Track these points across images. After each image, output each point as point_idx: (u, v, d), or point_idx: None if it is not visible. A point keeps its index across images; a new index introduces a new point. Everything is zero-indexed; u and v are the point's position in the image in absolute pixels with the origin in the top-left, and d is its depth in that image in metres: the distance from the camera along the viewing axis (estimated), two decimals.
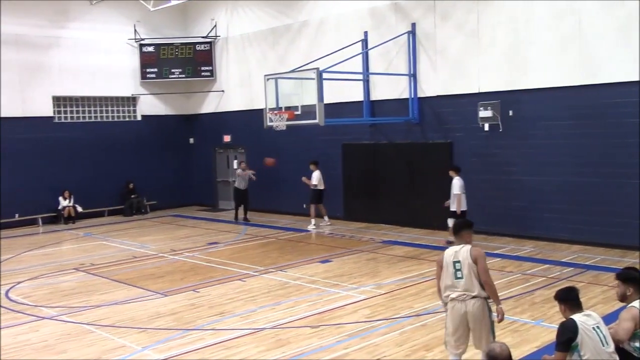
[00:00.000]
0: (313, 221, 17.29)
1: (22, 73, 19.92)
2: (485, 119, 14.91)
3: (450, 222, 13.23)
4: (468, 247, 6.42)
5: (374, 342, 8.00)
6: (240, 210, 19.37)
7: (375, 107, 17.28)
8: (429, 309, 9.34)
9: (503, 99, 14.60)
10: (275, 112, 14.94)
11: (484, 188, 14.87)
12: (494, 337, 6.39)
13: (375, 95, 17.31)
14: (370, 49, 16.81)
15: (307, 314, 9.32)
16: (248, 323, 9.01)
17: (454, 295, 6.35)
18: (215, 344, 8.17)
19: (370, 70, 17.15)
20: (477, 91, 15.11)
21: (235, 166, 21.67)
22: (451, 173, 14.04)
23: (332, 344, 7.98)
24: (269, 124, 15.16)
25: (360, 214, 17.91)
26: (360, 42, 17.08)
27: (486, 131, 14.98)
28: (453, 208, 13.72)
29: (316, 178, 17.39)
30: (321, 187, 17.51)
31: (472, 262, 6.28)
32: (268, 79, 15.40)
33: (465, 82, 15.37)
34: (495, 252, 13.04)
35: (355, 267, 12.40)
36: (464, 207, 13.71)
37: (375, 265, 12.58)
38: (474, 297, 6.26)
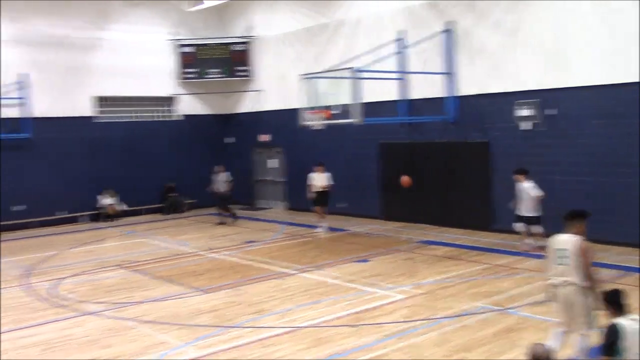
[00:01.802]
0: (325, 224, 16.90)
1: (65, 74, 20.40)
2: (524, 118, 14.74)
3: (520, 226, 13.09)
4: (578, 238, 6.69)
5: (413, 342, 8.00)
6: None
7: (412, 106, 17.21)
8: (468, 309, 9.29)
9: (542, 98, 14.41)
10: (312, 111, 15.01)
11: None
12: (592, 325, 6.63)
13: (412, 94, 17.24)
14: (407, 47, 16.76)
15: (345, 313, 9.37)
16: (286, 321, 9.10)
17: (555, 281, 6.79)
18: (254, 341, 8.27)
19: (407, 69, 17.10)
20: (515, 90, 14.94)
21: (270, 165, 21.87)
22: (518, 177, 13.25)
23: (371, 343, 8.01)
24: (306, 123, 15.24)
25: (397, 213, 17.87)
26: (396, 41, 17.04)
27: (524, 130, 14.81)
28: (528, 213, 13.03)
29: (328, 178, 16.93)
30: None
31: (579, 253, 6.61)
32: (304, 79, 15.47)
33: (503, 80, 15.22)
34: (539, 253, 12.90)
35: (392, 267, 12.39)
36: (534, 212, 13.00)
37: (413, 265, 12.56)
38: (572, 284, 6.62)
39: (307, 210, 19.75)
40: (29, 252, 15.79)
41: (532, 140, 14.68)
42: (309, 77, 15.49)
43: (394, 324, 8.78)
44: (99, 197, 20.78)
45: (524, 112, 14.65)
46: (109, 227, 19.56)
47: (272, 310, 9.72)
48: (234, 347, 8.07)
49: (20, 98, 19.51)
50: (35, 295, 11.26)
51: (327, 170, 17.02)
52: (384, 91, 17.30)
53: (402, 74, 17.14)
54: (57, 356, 8.03)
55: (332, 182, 16.89)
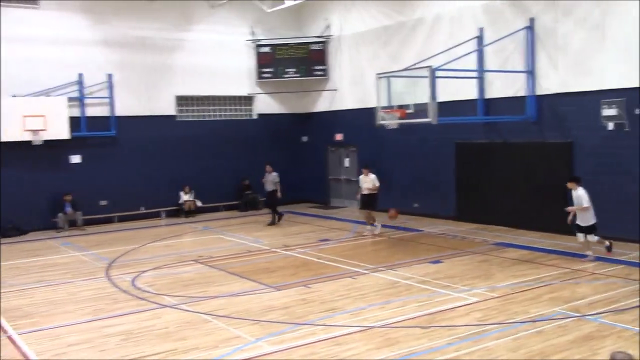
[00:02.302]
0: (378, 225, 16.64)
1: (148, 74, 21.16)
2: (610, 118, 14.13)
3: (582, 236, 12.58)
4: None
5: (486, 346, 7.82)
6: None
7: (490, 105, 16.84)
8: (545, 314, 9.01)
9: (629, 97, 13.78)
10: (387, 110, 14.93)
11: (606, 190, 14.06)
12: None
13: (490, 93, 16.86)
14: (486, 45, 16.41)
15: (417, 314, 9.27)
16: (358, 320, 9.09)
17: None
18: (325, 339, 8.31)
19: (485, 68, 16.73)
20: (600, 88, 14.35)
21: (345, 164, 21.87)
22: (571, 185, 12.67)
23: (443, 345, 7.89)
24: (381, 122, 15.17)
25: (472, 214, 17.53)
26: (474, 39, 16.71)
27: (610, 130, 14.20)
28: (584, 222, 12.43)
29: (373, 181, 16.52)
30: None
31: None
32: (380, 78, 15.40)
33: (587, 79, 14.65)
34: (619, 258, 12.36)
35: (467, 269, 12.16)
36: (589, 221, 12.41)
37: (487, 267, 12.28)
38: None
39: (380, 209, 19.68)
40: (112, 245, 16.46)
41: (620, 140, 14.05)
42: (385, 75, 15.42)
43: (467, 327, 8.61)
44: (181, 193, 21.44)
45: (611, 111, 14.05)
46: (188, 222, 20.11)
47: (344, 308, 9.73)
48: (305, 344, 8.13)
49: (106, 97, 20.41)
50: (118, 286, 11.73)
51: (380, 171, 17.21)
52: (461, 90, 17.02)
53: (480, 73, 16.80)
54: (136, 346, 8.32)
55: (377, 184, 16.55)
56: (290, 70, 23.07)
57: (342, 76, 22.37)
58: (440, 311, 9.37)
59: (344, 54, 22.20)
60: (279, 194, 19.08)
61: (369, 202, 16.62)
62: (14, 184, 18.89)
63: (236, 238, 16.85)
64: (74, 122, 19.63)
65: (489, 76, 16.81)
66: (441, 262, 12.88)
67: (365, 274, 12.08)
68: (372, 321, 9.00)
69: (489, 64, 16.66)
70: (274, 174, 19.21)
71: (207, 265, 13.38)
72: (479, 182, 17.40)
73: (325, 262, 13.35)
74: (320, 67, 22.93)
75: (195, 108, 22.44)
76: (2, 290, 11.69)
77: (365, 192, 16.59)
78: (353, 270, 12.41)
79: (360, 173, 17.42)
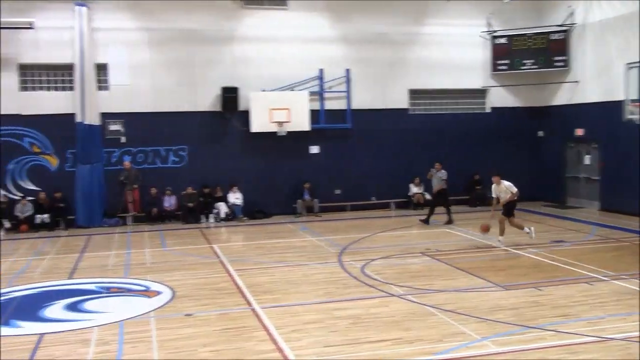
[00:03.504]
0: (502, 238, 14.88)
1: (383, 68, 21.76)
2: None
3: None
4: None
5: None
6: None
7: None
8: None
9: None
10: (638, 104, 13.60)
11: None
12: None
13: None
14: None
15: None
16: (595, 330, 8.46)
17: None
18: (557, 346, 7.88)
19: None
20: None
21: (585, 161, 20.44)
22: None
23: None
24: (629, 117, 13.87)
25: None
26: None
27: None
28: None
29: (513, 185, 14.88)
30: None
31: None
32: (631, 68, 14.07)
33: None
34: None
35: None
36: None
37: None
38: None
39: (626, 212, 18.03)
40: (344, 232, 17.28)
41: None
42: (637, 66, 14.05)
43: None
44: (411, 185, 21.79)
45: None
46: (415, 215, 20.34)
47: (579, 316, 9.13)
48: (535, 349, 7.79)
49: (343, 92, 21.44)
50: (348, 272, 12.31)
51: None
52: None
53: None
54: (364, 331, 8.67)
55: (514, 190, 14.75)
56: (528, 61, 22.07)
57: (585, 67, 20.81)
58: None
59: (588, 43, 20.62)
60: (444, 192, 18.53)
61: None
62: (260, 171, 20.80)
63: (464, 233, 16.65)
64: (314, 114, 20.97)
65: None
66: None
67: (605, 280, 11.17)
68: (612, 332, 8.32)
69: None
70: (443, 171, 18.49)
71: (434, 259, 13.43)
72: None
73: (560, 264, 12.60)
74: (561, 58, 21.58)
75: (427, 101, 22.56)
76: (249, 267, 12.96)
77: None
78: (591, 275, 11.56)
79: (619, 171, 15.94)
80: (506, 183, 14.88)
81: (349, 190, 21.60)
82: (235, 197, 20.49)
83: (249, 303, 10.23)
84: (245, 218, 20.29)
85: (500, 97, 22.89)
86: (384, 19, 21.59)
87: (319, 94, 21.28)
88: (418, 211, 20.92)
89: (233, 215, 20.27)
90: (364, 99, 21.57)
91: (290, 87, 20.89)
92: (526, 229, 14.88)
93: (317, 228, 18.28)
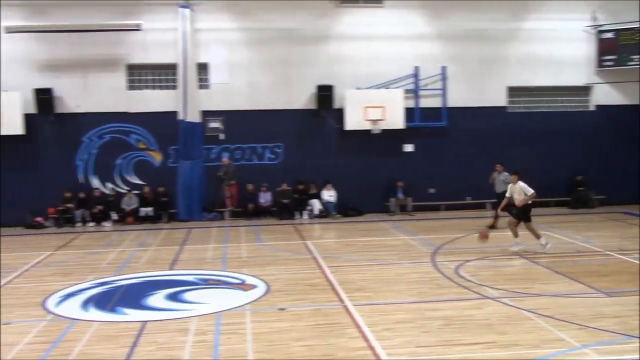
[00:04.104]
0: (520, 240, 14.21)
1: (481, 65, 21.30)
2: None
3: None
4: None
5: None
6: None
7: None
8: None
9: None
10: None
11: None
12: None
13: None
14: None
15: None
16: None
17: None
18: None
19: None
20: None
21: None
22: None
23: None
24: None
25: None
26: None
27: None
28: None
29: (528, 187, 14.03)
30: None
31: None
32: None
33: None
34: None
35: None
36: None
37: None
38: None
39: None
40: (438, 232, 17.07)
41: None
42: None
43: None
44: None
45: None
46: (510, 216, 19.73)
47: None
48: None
49: (438, 89, 21.15)
50: (441, 273, 12.15)
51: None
52: None
53: None
54: (457, 333, 8.53)
55: (529, 192, 14.02)
56: (636, 57, 20.93)
57: None
58: None
59: None
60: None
61: (520, 214, 14.26)
62: (354, 168, 20.89)
63: (564, 236, 16.03)
64: (408, 112, 20.83)
65: None
66: None
67: None
68: None
69: None
70: (505, 174, 17.53)
71: (531, 261, 13.02)
72: None
73: None
74: None
75: (526, 99, 21.86)
76: (341, 264, 13.07)
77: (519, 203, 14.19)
78: None
79: None
80: (522, 184, 14.12)
81: (443, 190, 21.29)
82: (329, 195, 20.69)
83: (341, 300, 10.32)
84: (338, 215, 20.44)
85: (605, 95, 21.82)
86: (481, 15, 21.09)
87: (414, 92, 21.09)
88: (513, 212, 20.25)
89: (326, 212, 20.48)
90: (459, 97, 21.19)
91: (385, 85, 20.83)
92: (542, 241, 13.95)
93: (410, 227, 18.15)
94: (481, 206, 21.18)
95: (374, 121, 20.35)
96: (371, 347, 8.00)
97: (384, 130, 20.52)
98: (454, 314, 9.39)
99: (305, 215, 20.41)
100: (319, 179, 20.78)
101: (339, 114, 20.68)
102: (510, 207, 14.56)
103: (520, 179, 14.25)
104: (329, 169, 20.83)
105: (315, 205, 20.55)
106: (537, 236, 14.10)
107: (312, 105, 20.81)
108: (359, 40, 20.83)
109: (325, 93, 20.46)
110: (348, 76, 20.67)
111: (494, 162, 18.01)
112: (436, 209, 21.20)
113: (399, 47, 20.93)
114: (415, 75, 21.04)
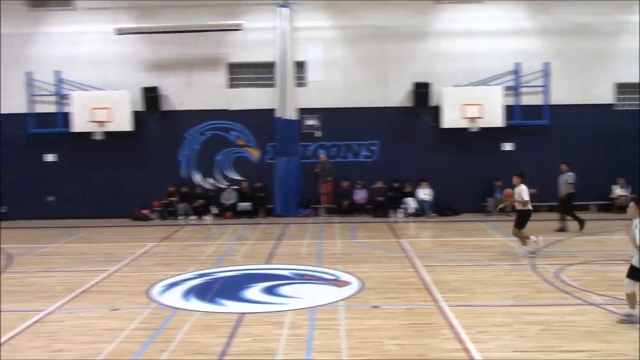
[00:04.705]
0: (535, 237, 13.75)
1: (586, 61, 20.42)
2: None
3: None
4: None
5: None
6: None
7: None
8: None
9: None
10: None
11: None
12: None
13: None
14: None
15: None
16: None
17: None
18: None
19: None
20: None
21: None
22: None
23: None
24: None
25: None
26: None
27: None
28: None
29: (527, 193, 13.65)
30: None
31: None
32: None
33: None
34: None
35: None
36: None
37: None
38: None
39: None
40: (537, 234, 16.42)
41: None
42: None
43: None
44: (614, 187, 20.23)
45: None
46: (619, 219, 18.79)
47: None
48: None
49: (540, 86, 20.43)
50: (541, 276, 11.75)
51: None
52: None
53: None
54: (556, 339, 8.22)
55: (525, 198, 13.87)
56: None
57: None
58: None
59: None
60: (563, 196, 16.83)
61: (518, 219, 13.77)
62: (450, 167, 20.63)
63: None
64: (508, 110, 20.26)
65: None
66: None
67: None
68: None
69: None
70: (569, 174, 16.65)
71: None
72: None
73: None
74: None
75: (637, 96, 20.71)
76: (436, 264, 12.93)
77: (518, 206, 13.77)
78: None
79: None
80: (522, 187, 13.83)
81: (544, 190, 20.46)
82: (424, 193, 20.49)
83: (435, 300, 10.21)
84: (433, 214, 20.21)
85: None
86: (587, 9, 20.22)
87: (514, 89, 20.49)
88: (621, 215, 19.29)
89: (421, 211, 20.30)
90: (562, 94, 20.39)
91: (484, 82, 20.36)
92: (529, 243, 13.62)
93: (509, 228, 17.59)
94: (585, 208, 20.27)
95: (472, 119, 19.96)
96: (466, 350, 7.87)
97: (482, 129, 20.09)
98: (554, 319, 9.07)
99: (400, 214, 20.32)
100: (414, 177, 20.62)
101: (436, 111, 20.43)
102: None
103: (523, 182, 13.95)
104: (425, 167, 20.63)
105: (410, 203, 20.41)
106: (524, 241, 13.82)
107: (408, 103, 20.67)
108: (457, 36, 20.50)
109: (421, 90, 20.28)
110: (445, 73, 20.39)
111: (599, 160, 17.24)
112: (536, 209, 20.39)
113: (499, 43, 20.41)
114: (516, 71, 20.43)
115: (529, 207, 13.94)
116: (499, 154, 20.66)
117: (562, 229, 16.98)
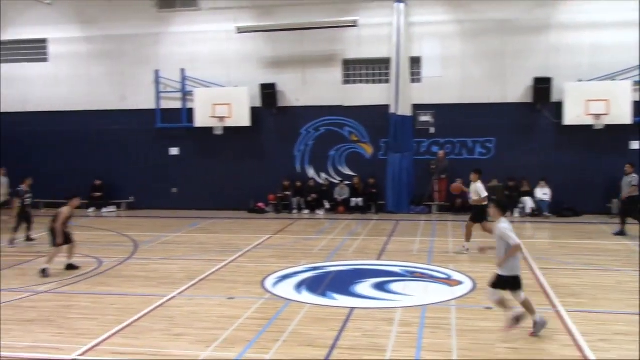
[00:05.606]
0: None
1: None
2: None
3: None
4: None
5: None
6: None
7: None
8: None
9: None
10: None
11: None
12: None
13: None
14: None
15: None
16: None
17: None
18: None
19: None
20: None
21: None
22: None
23: None
24: None
25: None
26: None
27: None
28: None
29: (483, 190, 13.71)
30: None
31: None
32: None
33: None
34: None
35: None
36: None
37: None
38: None
39: None
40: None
41: None
42: None
43: None
44: None
45: None
46: None
47: None
48: None
49: None
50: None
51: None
52: None
53: None
54: None
55: (483, 195, 13.79)
56: None
57: None
58: None
59: None
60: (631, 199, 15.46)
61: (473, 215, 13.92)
62: (572, 166, 19.69)
63: None
64: (637, 106, 19.05)
65: None
66: None
67: None
68: None
69: None
70: (634, 175, 15.28)
71: None
72: None
73: None
74: None
75: None
76: (554, 267, 12.42)
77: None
78: None
79: None
80: (479, 185, 13.89)
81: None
82: (543, 193, 19.72)
83: (552, 304, 9.82)
84: (551, 215, 19.40)
85: None
86: None
87: None
88: None
89: (539, 211, 19.55)
90: None
91: (611, 77, 19.25)
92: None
93: (637, 232, 16.58)
94: None
95: (597, 116, 18.93)
96: (585, 358, 7.52)
97: (608, 126, 19.03)
98: None
99: (517, 213, 19.69)
100: (533, 175, 19.88)
101: (557, 107, 19.58)
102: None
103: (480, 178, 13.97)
104: (544, 166, 19.84)
105: (528, 203, 19.71)
106: (469, 235, 13.90)
107: (528, 99, 19.95)
108: (581, 28, 19.51)
109: (542, 86, 19.50)
110: (568, 67, 19.49)
111: None
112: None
113: (627, 34, 19.18)
114: None
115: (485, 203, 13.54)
116: (626, 152, 19.43)
117: (621, 233, 15.93)
